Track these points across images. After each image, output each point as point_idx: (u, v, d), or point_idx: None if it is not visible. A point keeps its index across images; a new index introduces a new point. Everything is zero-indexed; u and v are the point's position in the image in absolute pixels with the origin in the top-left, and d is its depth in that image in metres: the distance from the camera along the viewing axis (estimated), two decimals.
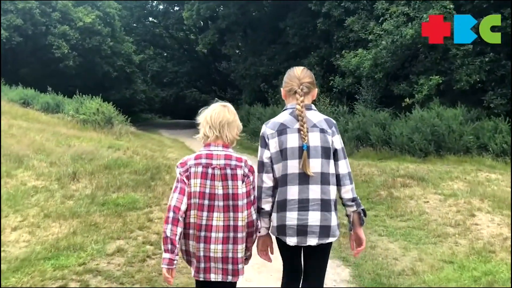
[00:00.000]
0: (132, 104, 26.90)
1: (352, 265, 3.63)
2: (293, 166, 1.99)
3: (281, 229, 2.02)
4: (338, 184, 2.04)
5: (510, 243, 3.87)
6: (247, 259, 2.05)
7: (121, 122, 12.01)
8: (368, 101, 12.07)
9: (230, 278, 1.93)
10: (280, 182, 2.02)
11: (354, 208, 2.06)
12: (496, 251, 3.77)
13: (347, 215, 2.11)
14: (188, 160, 1.94)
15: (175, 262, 1.86)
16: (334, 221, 2.02)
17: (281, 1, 15.93)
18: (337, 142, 2.04)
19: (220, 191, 1.89)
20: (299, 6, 15.48)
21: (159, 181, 5.73)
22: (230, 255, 1.91)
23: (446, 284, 3.19)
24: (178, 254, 1.87)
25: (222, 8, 19.36)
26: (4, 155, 5.69)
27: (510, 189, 5.32)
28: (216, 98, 2.19)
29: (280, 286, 2.18)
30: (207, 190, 1.89)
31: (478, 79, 10.26)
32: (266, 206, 2.03)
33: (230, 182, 1.90)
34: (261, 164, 2.04)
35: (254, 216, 1.97)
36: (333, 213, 2.01)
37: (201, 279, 1.95)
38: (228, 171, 1.91)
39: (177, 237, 1.85)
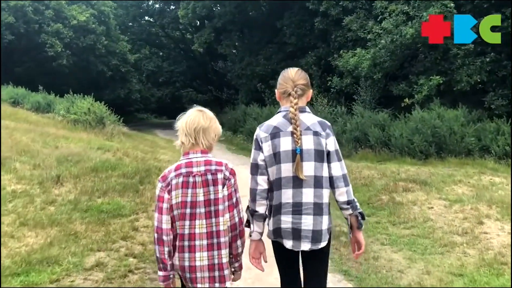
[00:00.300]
0: (127, 103, 26.70)
1: (355, 279, 3.34)
2: (286, 169, 1.96)
3: (277, 232, 1.99)
4: (332, 186, 2.00)
5: None
6: (236, 271, 2.00)
7: (113, 122, 11.71)
8: (366, 102, 11.85)
9: (217, 285, 1.92)
10: (275, 185, 1.99)
11: (350, 212, 2.01)
12: (508, 262, 3.50)
13: (345, 219, 2.06)
14: (169, 173, 1.92)
15: (170, 276, 1.90)
16: (325, 225, 1.99)
17: (278, 0, 15.68)
18: (331, 144, 2.00)
19: (201, 197, 1.89)
20: (296, 5, 15.26)
21: (148, 185, 5.42)
22: (216, 261, 1.89)
23: None
24: (172, 269, 1.89)
25: (218, 7, 19.11)
26: None
27: None
28: (195, 105, 2.11)
29: None
30: (189, 199, 1.88)
31: (478, 80, 10.08)
32: (260, 209, 1.99)
33: (211, 188, 1.89)
34: (255, 166, 2.00)
35: (237, 219, 1.94)
36: (325, 217, 1.99)
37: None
38: (209, 177, 1.90)
39: (166, 255, 1.87)
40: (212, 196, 1.89)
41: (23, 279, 2.90)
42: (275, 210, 1.99)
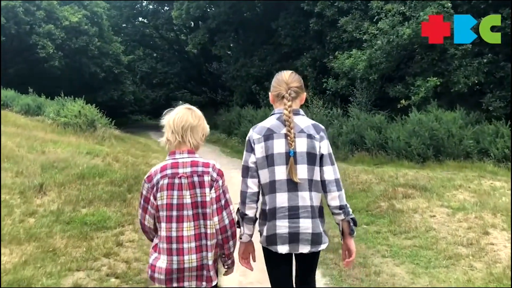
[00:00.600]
0: (121, 105, 26.46)
1: None
2: (281, 172, 1.94)
3: (272, 239, 1.96)
4: (324, 190, 1.98)
5: None
6: (229, 267, 1.99)
7: (104, 125, 11.42)
8: (362, 104, 11.69)
9: (204, 284, 1.88)
10: (269, 189, 1.96)
11: (342, 217, 1.99)
12: None
13: (337, 224, 2.04)
14: (154, 174, 1.86)
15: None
16: (321, 228, 1.99)
17: (273, 0, 15.50)
18: (324, 147, 1.99)
19: (188, 200, 1.84)
20: (291, 5, 15.09)
21: (137, 193, 5.15)
22: (205, 262, 1.87)
23: None
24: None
25: (212, 8, 18.86)
26: None
27: None
28: (181, 102, 2.08)
29: None
30: (174, 201, 1.84)
31: (476, 81, 9.94)
32: (250, 212, 1.99)
33: (198, 190, 1.85)
34: (246, 169, 1.99)
35: (227, 221, 1.89)
36: (321, 219, 1.99)
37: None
38: (195, 179, 1.85)
39: (151, 230, 1.92)
40: (199, 199, 1.84)
41: None
42: (269, 215, 1.95)
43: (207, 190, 1.85)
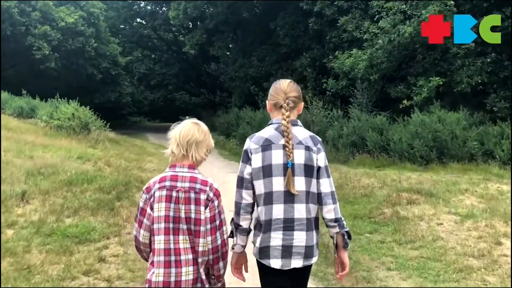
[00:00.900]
0: (118, 107, 26.27)
1: None
2: (278, 183, 1.93)
3: (265, 251, 1.94)
4: (320, 203, 1.98)
5: None
6: None
7: (99, 128, 11.15)
8: (363, 105, 11.44)
9: None
10: (265, 200, 1.95)
11: (337, 230, 1.99)
12: None
13: (331, 237, 2.05)
14: (153, 185, 1.89)
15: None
16: (315, 240, 1.99)
17: (272, 0, 15.25)
18: (321, 160, 1.99)
19: (183, 214, 1.85)
20: (290, 5, 14.86)
21: (126, 200, 4.88)
22: (199, 275, 1.87)
23: None
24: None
25: (210, 8, 18.63)
26: None
27: None
28: (188, 116, 2.09)
29: None
30: (171, 213, 1.85)
31: (479, 81, 9.69)
32: (244, 224, 1.99)
33: (193, 207, 1.85)
34: (241, 180, 1.98)
35: (219, 241, 1.89)
36: (315, 231, 1.99)
37: None
38: (192, 195, 1.86)
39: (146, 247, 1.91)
40: (193, 215, 1.84)
41: None
42: (265, 226, 1.94)
43: (202, 208, 1.85)
